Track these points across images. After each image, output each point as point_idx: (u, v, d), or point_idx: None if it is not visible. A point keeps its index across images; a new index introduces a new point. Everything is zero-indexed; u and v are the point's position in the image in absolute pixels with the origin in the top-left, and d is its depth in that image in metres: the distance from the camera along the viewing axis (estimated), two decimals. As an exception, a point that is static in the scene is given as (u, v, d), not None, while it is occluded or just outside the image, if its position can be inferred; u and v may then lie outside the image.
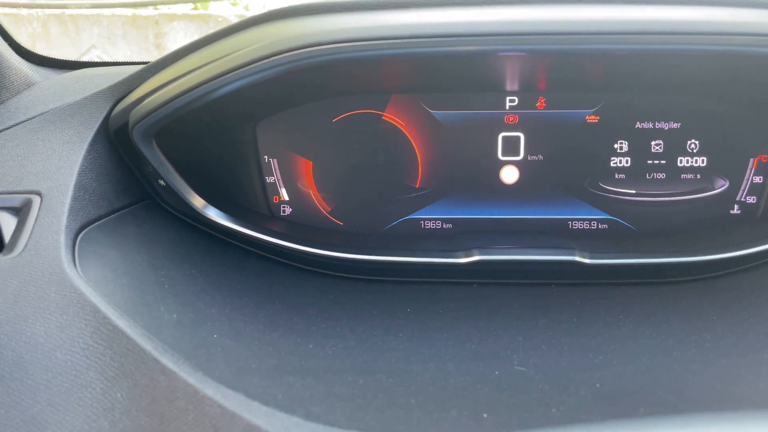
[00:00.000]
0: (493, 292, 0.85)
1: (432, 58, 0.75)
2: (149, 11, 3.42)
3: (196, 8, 3.92)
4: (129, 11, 3.38)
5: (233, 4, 4.16)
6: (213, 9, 4.06)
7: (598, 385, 0.62)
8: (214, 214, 0.83)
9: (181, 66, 0.77)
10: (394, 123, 0.93)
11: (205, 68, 0.73)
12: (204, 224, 0.85)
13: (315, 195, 0.94)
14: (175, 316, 0.66)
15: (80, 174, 0.76)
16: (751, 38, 0.71)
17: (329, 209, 0.94)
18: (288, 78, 0.75)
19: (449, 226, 0.96)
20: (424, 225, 0.96)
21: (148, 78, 0.81)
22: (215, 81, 0.71)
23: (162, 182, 0.81)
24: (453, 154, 0.94)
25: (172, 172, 0.80)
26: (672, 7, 0.75)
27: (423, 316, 0.78)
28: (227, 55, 0.72)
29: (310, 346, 0.68)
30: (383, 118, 0.92)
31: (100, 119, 0.82)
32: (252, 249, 0.87)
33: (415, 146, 0.93)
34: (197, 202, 0.82)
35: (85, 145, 0.79)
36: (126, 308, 0.63)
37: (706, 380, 0.64)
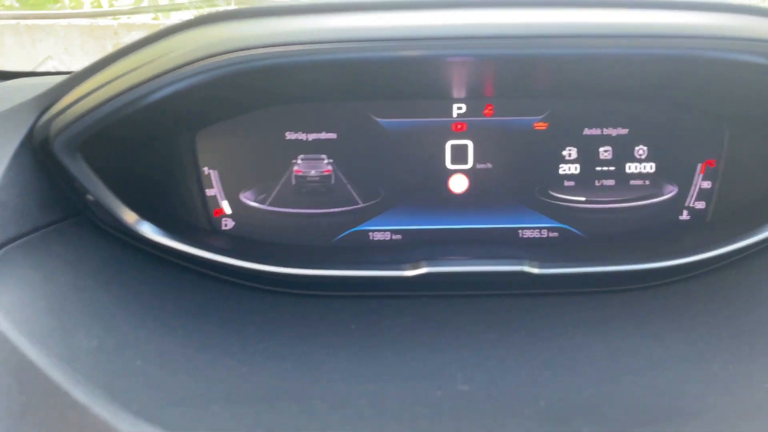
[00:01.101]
0: (442, 305, 0.81)
1: (373, 63, 0.71)
2: (107, 21, 3.33)
3: (156, 18, 3.83)
4: (87, 21, 3.28)
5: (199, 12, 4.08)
6: (175, 19, 3.98)
7: (542, 402, 0.59)
8: (148, 230, 0.77)
9: (107, 73, 0.72)
10: (340, 131, 0.88)
11: (129, 75, 0.67)
12: (138, 241, 0.79)
13: (259, 208, 0.89)
14: (96, 342, 0.60)
15: (0, 190, 0.70)
16: (696, 41, 0.68)
17: (274, 222, 0.90)
18: (224, 84, 0.70)
19: (399, 237, 0.92)
20: (373, 237, 0.91)
21: (75, 86, 0.75)
22: (137, 89, 0.66)
23: (90, 197, 0.76)
24: (401, 164, 0.90)
25: (100, 185, 0.74)
26: (619, 10, 0.72)
27: (368, 333, 0.73)
28: (153, 60, 0.67)
29: (244, 369, 0.63)
30: (329, 126, 0.88)
31: (24, 131, 0.76)
32: (191, 266, 0.81)
33: (362, 155, 0.89)
34: (129, 217, 0.76)
35: (6, 160, 0.73)
36: (40, 335, 0.57)
37: (653, 395, 0.61)
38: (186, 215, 0.86)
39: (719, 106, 0.86)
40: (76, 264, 0.72)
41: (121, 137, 0.76)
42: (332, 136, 0.88)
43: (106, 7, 3.95)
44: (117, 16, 3.64)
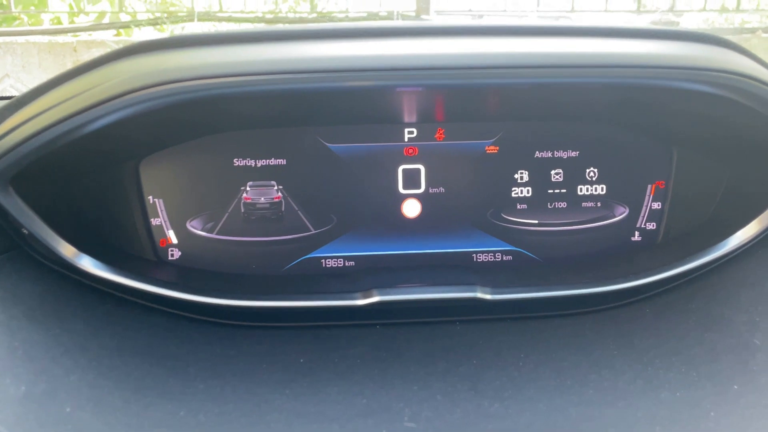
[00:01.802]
0: (395, 334, 0.79)
1: (314, 92, 0.69)
2: (67, 38, 3.27)
3: (118, 34, 3.78)
4: (46, 38, 3.21)
5: (160, 30, 4.04)
6: (137, 36, 3.93)
7: (489, 439, 0.58)
8: (88, 264, 0.74)
9: (40, 103, 0.68)
10: (290, 157, 0.87)
11: (62, 106, 0.64)
12: (78, 275, 0.76)
13: (206, 236, 0.87)
14: (23, 388, 0.57)
15: None
16: (640, 71, 0.68)
17: (223, 251, 0.87)
18: (166, 113, 0.68)
19: (352, 263, 0.90)
20: (326, 264, 0.90)
21: (7, 117, 0.72)
22: (70, 121, 0.63)
23: (25, 230, 0.72)
24: (353, 189, 0.88)
25: (35, 219, 0.71)
26: (565, 38, 0.72)
27: (316, 367, 0.71)
28: (86, 90, 0.64)
29: (182, 413, 0.60)
30: (278, 152, 0.86)
31: None
32: (135, 299, 0.78)
33: (313, 181, 0.88)
34: (67, 251, 0.73)
35: None
36: None
37: (602, 427, 0.60)
38: (129, 247, 0.83)
39: (666, 130, 0.86)
40: (9, 301, 0.68)
41: (56, 168, 0.73)
42: (281, 162, 0.87)
43: (66, 24, 3.87)
44: (77, 33, 3.57)
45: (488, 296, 0.79)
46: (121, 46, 0.68)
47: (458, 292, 0.80)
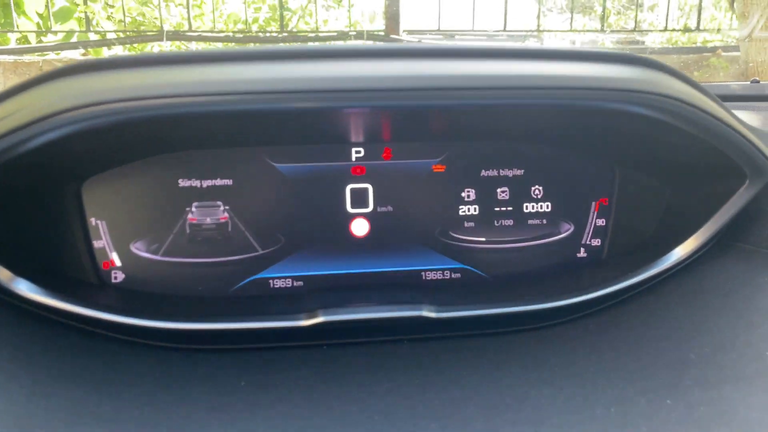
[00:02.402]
0: (340, 354, 0.78)
1: (264, 113, 0.69)
2: (33, 57, 3.24)
3: (87, 54, 3.74)
4: (11, 57, 3.18)
5: (129, 50, 4.02)
6: (106, 55, 3.90)
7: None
8: (24, 288, 0.72)
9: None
10: (236, 177, 0.86)
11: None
12: (15, 299, 0.74)
13: (151, 258, 0.86)
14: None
15: None
16: (579, 92, 0.69)
17: (168, 273, 0.86)
18: (105, 133, 0.67)
19: (300, 284, 0.89)
20: (274, 284, 0.89)
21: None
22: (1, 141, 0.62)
23: (-42, 255, 0.71)
24: (301, 209, 0.88)
25: (-32, 243, 0.70)
26: (508, 61, 0.73)
27: (257, 390, 0.70)
28: (18, 111, 0.63)
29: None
30: (224, 172, 0.86)
31: None
32: (76, 324, 0.77)
33: (260, 201, 0.87)
34: (2, 274, 0.72)
35: None
36: None
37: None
38: (70, 270, 0.82)
39: (608, 149, 0.88)
40: (-60, 328, 0.67)
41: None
42: (228, 182, 0.86)
43: (33, 44, 3.83)
44: (44, 53, 3.53)
45: (434, 314, 0.79)
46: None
47: (404, 311, 0.79)
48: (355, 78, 0.67)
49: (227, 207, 0.87)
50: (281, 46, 0.74)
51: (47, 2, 3.65)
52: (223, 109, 0.63)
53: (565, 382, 0.71)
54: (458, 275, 0.91)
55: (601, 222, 0.91)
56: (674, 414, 0.62)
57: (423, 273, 0.91)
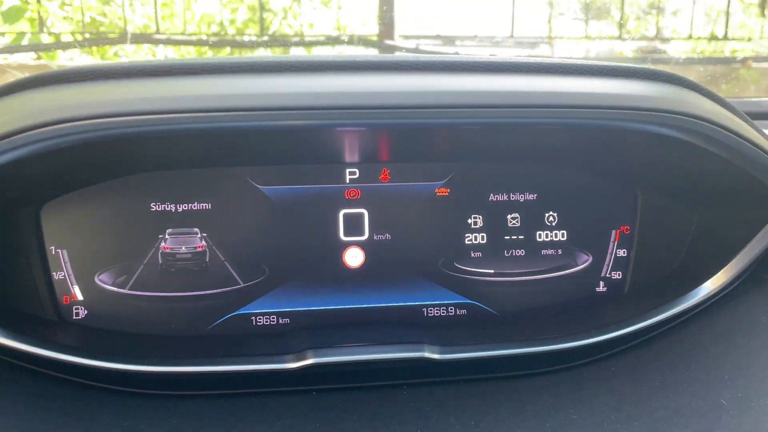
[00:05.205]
0: (332, 401, 0.79)
1: (247, 131, 0.71)
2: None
3: (39, 58, 3.78)
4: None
5: (87, 53, 4.05)
6: (61, 59, 3.93)
7: None
8: None
9: None
10: (216, 201, 0.88)
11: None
12: None
13: (118, 292, 0.87)
14: None
15: None
16: (600, 112, 0.72)
17: (137, 309, 0.87)
18: (67, 154, 0.69)
19: (286, 320, 0.91)
20: (256, 321, 0.90)
21: None
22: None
23: None
24: (288, 236, 0.89)
25: None
26: (520, 76, 0.75)
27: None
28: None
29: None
30: (202, 195, 0.87)
31: None
32: (31, 366, 0.77)
33: (242, 228, 0.89)
34: (-51, 310, 0.73)
35: None
36: None
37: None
38: (26, 305, 0.82)
39: (630, 172, 0.90)
40: None
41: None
42: (206, 206, 0.88)
43: (-20, 46, 3.86)
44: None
45: (437, 356, 0.80)
46: (39, 71, 0.69)
47: (404, 351, 0.81)
48: (349, 93, 0.69)
49: (205, 234, 0.88)
50: (266, 57, 0.76)
51: (-5, 1, 3.68)
52: (201, 126, 0.65)
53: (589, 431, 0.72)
54: (464, 311, 0.93)
55: (622, 252, 0.93)
56: (707, 468, 0.64)
57: (425, 309, 0.92)
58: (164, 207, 0.87)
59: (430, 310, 0.93)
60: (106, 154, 0.76)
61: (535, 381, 0.83)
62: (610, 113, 0.72)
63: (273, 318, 0.90)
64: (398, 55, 0.91)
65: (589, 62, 0.76)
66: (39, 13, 3.85)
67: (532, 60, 0.77)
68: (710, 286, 0.84)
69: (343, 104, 0.69)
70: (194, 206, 0.88)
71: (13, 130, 0.62)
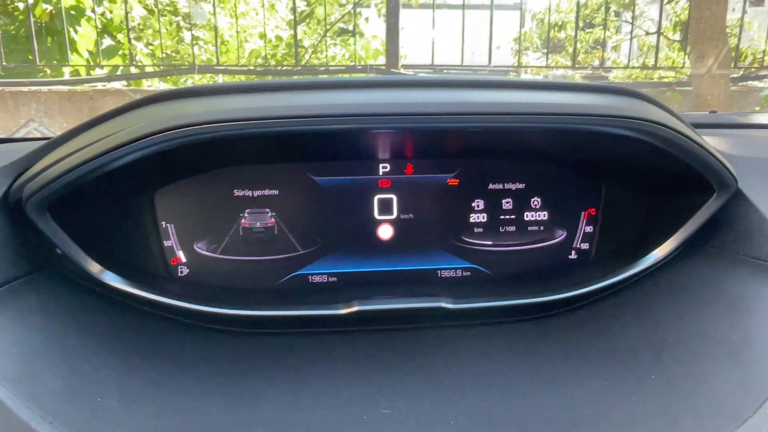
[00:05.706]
0: (372, 339, 0.82)
1: (309, 134, 0.73)
2: (84, 88, 3.27)
3: (130, 85, 3.78)
4: (66, 87, 3.21)
5: (166, 81, 4.04)
6: (146, 86, 3.94)
7: (452, 422, 0.60)
8: (110, 279, 0.76)
9: (73, 144, 0.72)
10: (282, 188, 0.90)
11: (92, 146, 0.67)
12: (103, 288, 0.77)
13: (210, 256, 0.89)
14: (60, 383, 0.59)
15: None
16: (572, 117, 0.73)
17: (224, 269, 0.90)
18: (177, 152, 0.71)
19: (334, 279, 0.93)
20: (312, 279, 0.92)
21: (46, 154, 0.75)
22: (99, 159, 0.66)
23: (59, 250, 0.74)
24: (335, 215, 0.92)
25: (68, 240, 0.73)
26: (512, 91, 0.76)
27: (305, 366, 0.73)
28: (113, 134, 0.67)
29: (195, 403, 0.62)
30: (272, 184, 0.89)
31: (0, 193, 0.74)
32: (150, 310, 0.80)
33: (301, 209, 0.91)
34: (94, 267, 0.75)
35: None
36: (12, 378, 0.55)
37: (548, 408, 0.63)
38: (145, 264, 0.85)
39: (597, 167, 0.92)
40: (45, 311, 0.70)
41: (86, 198, 0.75)
42: (274, 192, 0.90)
43: (84, 76, 3.87)
44: (94, 84, 3.58)
45: (450, 305, 0.82)
46: (135, 95, 0.71)
47: (425, 302, 0.83)
48: (385, 104, 0.71)
49: (273, 213, 0.90)
50: (325, 78, 0.78)
51: (96, 41, 3.70)
52: (283, 129, 0.66)
53: (563, 363, 0.74)
54: (469, 273, 0.95)
55: (589, 229, 0.95)
56: (657, 387, 0.66)
57: (439, 271, 0.94)
58: (244, 193, 0.89)
59: (443, 272, 0.95)
60: (205, 152, 0.78)
61: (524, 326, 0.85)
62: (583, 119, 0.73)
63: (324, 277, 0.92)
64: (421, 76, 0.91)
65: (568, 81, 0.77)
66: (129, 50, 3.88)
67: (526, 80, 0.78)
68: (658, 254, 0.85)
69: (381, 112, 0.70)
70: (266, 192, 0.90)
71: (141, 135, 0.64)
